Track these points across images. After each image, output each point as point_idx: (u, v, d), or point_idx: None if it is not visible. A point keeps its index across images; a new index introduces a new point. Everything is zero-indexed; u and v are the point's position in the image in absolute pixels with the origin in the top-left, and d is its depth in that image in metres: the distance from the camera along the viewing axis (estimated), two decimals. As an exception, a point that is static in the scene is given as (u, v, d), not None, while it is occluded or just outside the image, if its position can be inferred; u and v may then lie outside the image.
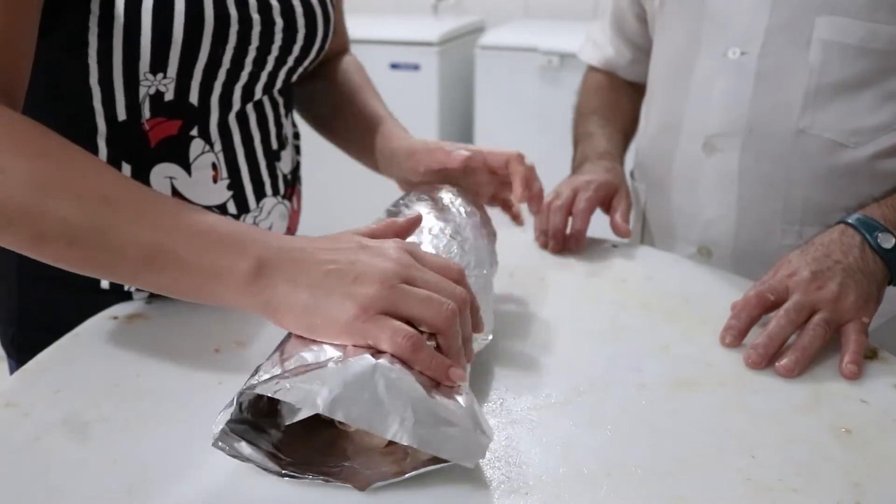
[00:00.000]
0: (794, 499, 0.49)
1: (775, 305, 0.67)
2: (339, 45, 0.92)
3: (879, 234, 0.69)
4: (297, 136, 0.88)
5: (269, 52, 0.71)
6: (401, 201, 0.72)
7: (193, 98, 0.69)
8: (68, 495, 0.49)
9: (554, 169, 1.14)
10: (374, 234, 0.57)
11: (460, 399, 0.50)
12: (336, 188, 2.27)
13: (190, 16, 0.64)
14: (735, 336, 0.67)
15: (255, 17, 0.68)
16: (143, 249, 0.52)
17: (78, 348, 0.65)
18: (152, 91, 0.67)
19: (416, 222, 0.61)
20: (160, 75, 0.66)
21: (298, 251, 0.53)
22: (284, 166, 0.80)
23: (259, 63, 0.71)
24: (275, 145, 0.78)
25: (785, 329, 0.65)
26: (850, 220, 0.71)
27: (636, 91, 1.11)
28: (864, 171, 0.83)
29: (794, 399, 0.60)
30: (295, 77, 0.78)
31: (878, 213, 0.71)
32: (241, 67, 0.70)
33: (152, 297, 0.72)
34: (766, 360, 0.64)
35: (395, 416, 0.47)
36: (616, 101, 1.09)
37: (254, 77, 0.72)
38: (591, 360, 0.65)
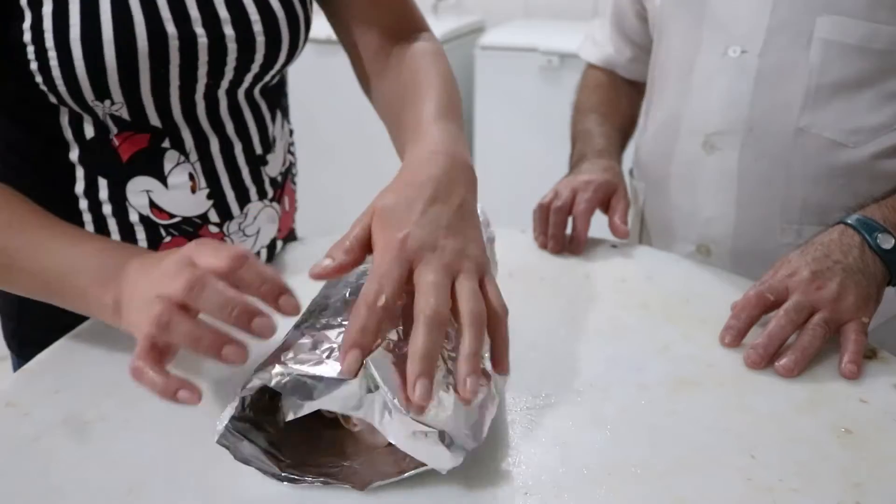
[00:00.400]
0: (794, 499, 0.49)
1: (775, 305, 0.67)
2: (399, 29, 0.75)
3: (879, 235, 0.69)
4: (291, 133, 0.86)
5: (224, 65, 0.67)
6: None
7: (153, 119, 0.67)
8: (68, 495, 0.49)
9: (554, 169, 1.14)
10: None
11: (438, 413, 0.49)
12: (336, 186, 2.27)
13: (120, 41, 0.61)
14: (735, 336, 0.67)
15: (199, 30, 0.64)
16: (38, 290, 0.61)
17: (78, 348, 0.65)
18: (109, 112, 0.65)
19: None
20: (107, 102, 0.64)
21: (142, 279, 0.53)
22: (272, 170, 0.77)
23: (215, 75, 0.67)
24: (259, 150, 0.75)
25: (785, 329, 0.65)
26: (849, 221, 0.71)
27: (635, 89, 1.10)
28: (863, 170, 0.83)
29: (794, 399, 0.60)
30: (268, 79, 0.73)
31: (877, 213, 0.71)
32: (195, 81, 0.67)
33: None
34: (766, 360, 0.64)
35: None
36: (615, 99, 1.09)
37: (212, 88, 0.68)
38: (591, 360, 0.65)
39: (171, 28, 0.63)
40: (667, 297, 0.77)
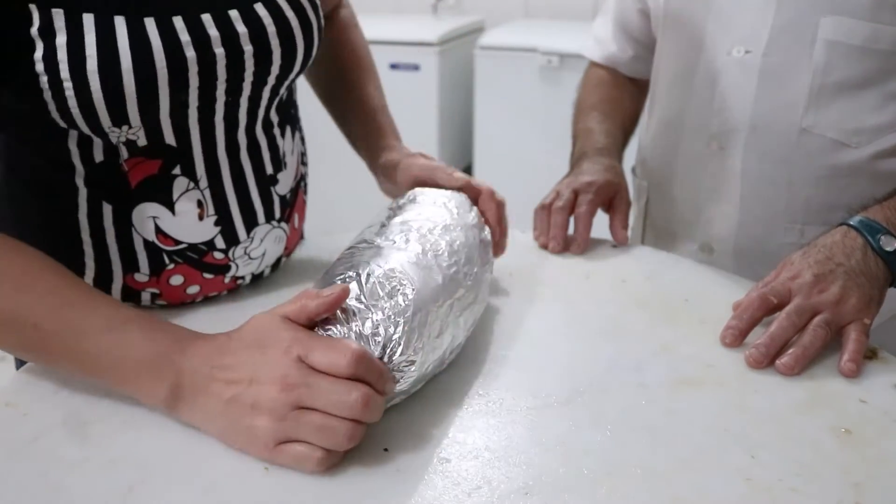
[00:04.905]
0: (794, 499, 0.49)
1: (777, 308, 0.67)
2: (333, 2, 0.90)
3: (882, 237, 0.69)
4: (302, 140, 0.83)
5: (241, 80, 0.66)
6: (396, 203, 0.72)
7: (170, 140, 0.66)
8: (68, 495, 0.49)
9: (554, 169, 1.14)
10: (288, 318, 0.53)
11: None
12: (336, 185, 2.27)
13: (139, 70, 0.59)
14: (736, 336, 0.67)
15: (219, 51, 0.63)
16: (77, 371, 0.58)
17: (78, 348, 0.65)
18: (123, 139, 0.64)
19: (334, 301, 0.53)
20: (125, 127, 0.63)
21: (202, 377, 0.53)
22: (282, 188, 0.75)
23: (233, 92, 0.66)
24: (270, 171, 0.73)
25: (787, 331, 0.65)
26: (852, 223, 0.71)
27: (638, 87, 1.10)
28: (865, 171, 0.83)
29: (794, 399, 0.60)
30: (283, 90, 0.72)
31: (880, 215, 0.71)
32: (213, 101, 0.65)
33: (155, 299, 0.72)
34: (768, 360, 0.64)
35: None
36: (617, 97, 1.09)
37: (231, 105, 0.67)
38: (591, 360, 0.65)
39: (190, 52, 0.62)
40: (667, 297, 0.77)
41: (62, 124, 0.62)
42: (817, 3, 0.80)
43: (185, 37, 0.61)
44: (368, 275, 0.56)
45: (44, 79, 0.59)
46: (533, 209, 0.91)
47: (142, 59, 0.60)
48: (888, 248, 0.69)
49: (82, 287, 0.59)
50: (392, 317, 0.53)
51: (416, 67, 2.40)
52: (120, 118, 0.62)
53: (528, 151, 2.36)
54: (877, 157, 0.82)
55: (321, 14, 0.73)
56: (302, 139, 0.83)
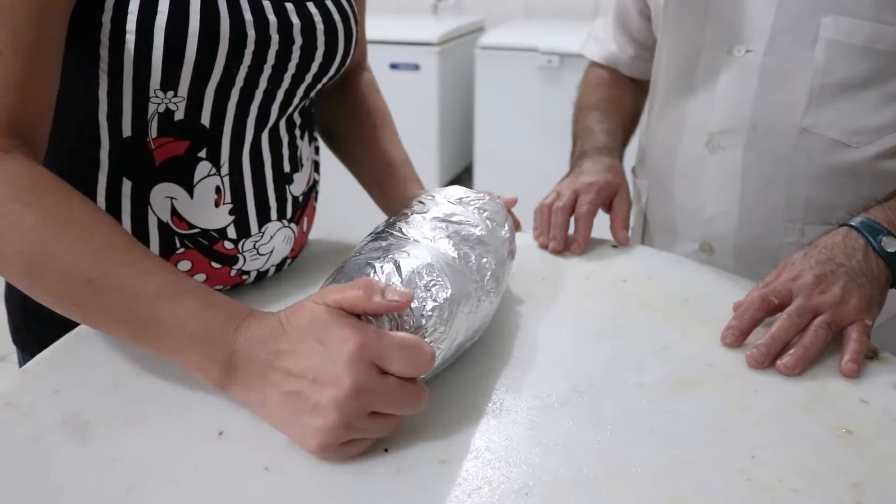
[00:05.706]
0: (794, 499, 0.49)
1: (778, 308, 0.67)
2: (358, 59, 0.90)
3: (883, 238, 0.69)
4: (317, 150, 0.85)
5: (285, 70, 0.69)
6: (429, 197, 0.70)
7: (205, 119, 0.67)
8: (68, 495, 0.49)
9: (554, 169, 1.14)
10: (341, 307, 0.51)
11: None
12: (347, 187, 2.27)
13: (204, 35, 0.62)
14: (736, 336, 0.67)
15: (274, 36, 0.66)
16: (125, 334, 0.57)
17: (78, 348, 0.65)
18: (162, 109, 0.65)
19: (397, 307, 0.52)
20: (171, 93, 0.64)
21: (259, 363, 0.52)
22: (296, 189, 0.77)
23: (274, 81, 0.69)
24: (287, 168, 0.75)
25: (788, 331, 0.65)
26: (853, 223, 0.71)
27: (638, 87, 1.11)
28: (866, 170, 0.83)
29: (794, 399, 0.60)
30: (313, 94, 0.76)
31: (881, 216, 0.71)
32: (256, 86, 0.68)
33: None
34: (769, 360, 0.64)
35: None
36: (617, 96, 1.09)
37: (269, 95, 0.69)
38: (591, 360, 0.65)
39: (251, 31, 0.65)
40: (667, 297, 0.77)
41: (102, 88, 0.63)
42: (818, 3, 0.79)
43: (248, 16, 0.65)
44: (408, 264, 0.56)
45: (105, 29, 0.60)
46: (533, 209, 0.91)
47: (208, 25, 0.62)
48: (889, 249, 0.69)
49: (139, 248, 0.57)
50: (424, 308, 0.54)
51: (416, 67, 2.41)
52: (171, 81, 0.63)
53: (528, 151, 2.37)
54: (877, 157, 0.82)
55: (359, 29, 0.78)
56: (317, 149, 0.85)
